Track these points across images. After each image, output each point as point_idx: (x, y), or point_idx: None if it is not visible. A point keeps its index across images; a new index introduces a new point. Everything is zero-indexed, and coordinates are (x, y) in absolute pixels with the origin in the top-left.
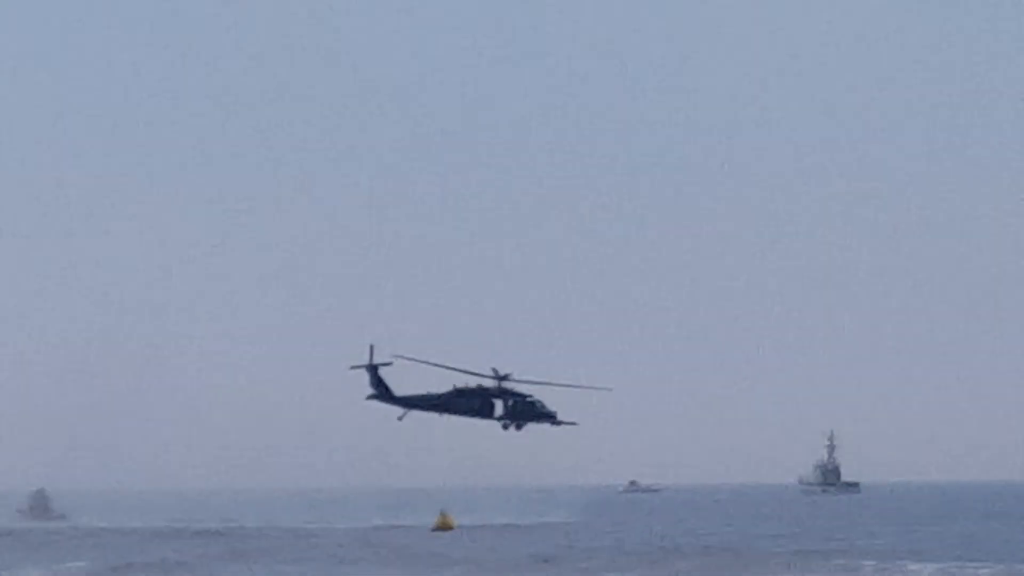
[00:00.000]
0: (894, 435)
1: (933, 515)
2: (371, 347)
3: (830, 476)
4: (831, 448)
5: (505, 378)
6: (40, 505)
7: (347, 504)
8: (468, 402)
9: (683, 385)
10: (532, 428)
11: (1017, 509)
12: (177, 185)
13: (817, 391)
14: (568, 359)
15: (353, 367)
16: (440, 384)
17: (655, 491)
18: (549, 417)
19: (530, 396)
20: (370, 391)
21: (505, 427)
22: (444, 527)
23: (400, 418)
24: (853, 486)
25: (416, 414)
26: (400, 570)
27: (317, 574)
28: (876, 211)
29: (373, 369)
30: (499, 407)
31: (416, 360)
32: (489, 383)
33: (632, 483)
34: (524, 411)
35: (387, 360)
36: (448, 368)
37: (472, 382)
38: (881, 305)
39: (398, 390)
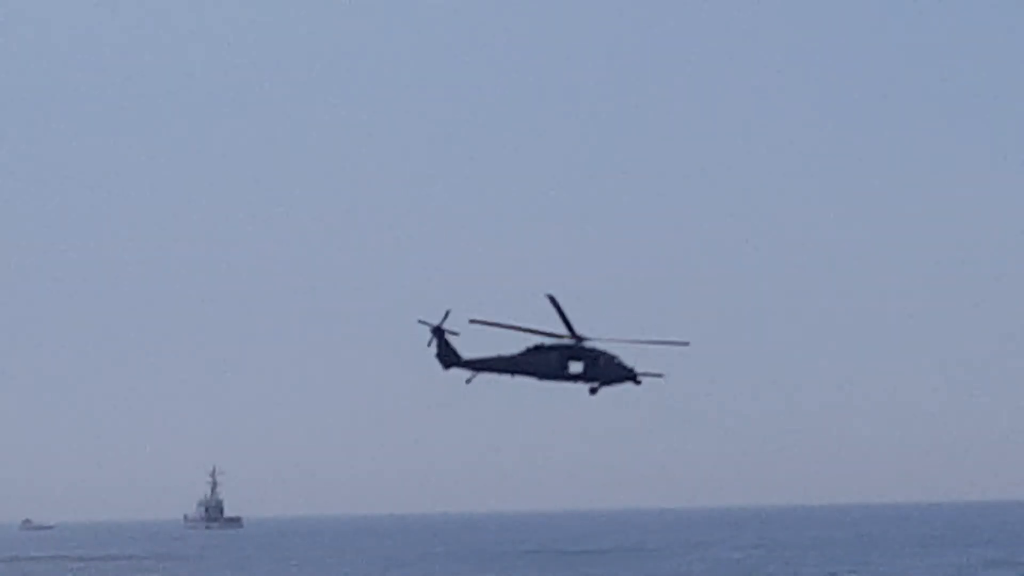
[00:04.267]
0: (278, 471)
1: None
2: (447, 312)
3: (213, 512)
4: (213, 484)
5: (582, 338)
6: None
7: None
8: (546, 359)
9: (73, 419)
10: None
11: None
12: None
13: (201, 428)
14: None
15: (421, 321)
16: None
17: (49, 528)
18: (631, 375)
19: (612, 353)
20: (439, 359)
21: (593, 391)
22: None
23: (468, 381)
24: (235, 521)
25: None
26: None
27: None
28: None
29: (440, 332)
30: (577, 367)
31: (491, 324)
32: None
33: (27, 521)
34: (607, 369)
35: (454, 330)
36: (523, 330)
37: (546, 342)
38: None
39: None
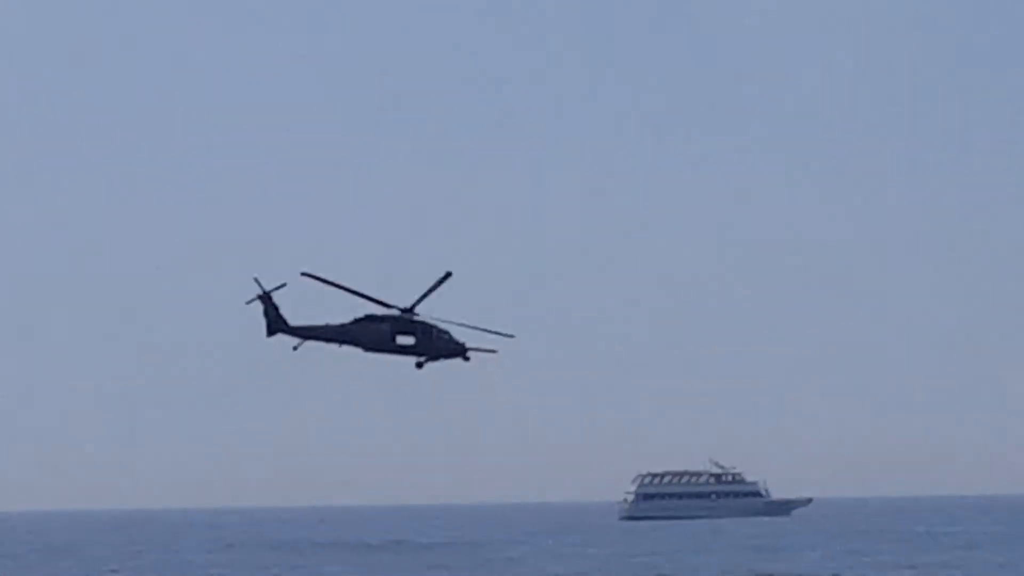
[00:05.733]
0: None
1: None
2: (256, 279)
3: None
4: None
5: (412, 311)
6: None
7: None
8: (377, 330)
9: None
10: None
11: None
12: None
13: None
14: None
15: (248, 301)
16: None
17: None
18: (461, 350)
19: (443, 328)
20: (265, 324)
21: (419, 366)
22: None
23: (296, 348)
24: None
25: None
26: None
27: None
28: None
29: (267, 298)
30: (407, 339)
31: (322, 280)
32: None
33: None
34: (438, 343)
35: (279, 283)
36: (355, 293)
37: (377, 312)
38: None
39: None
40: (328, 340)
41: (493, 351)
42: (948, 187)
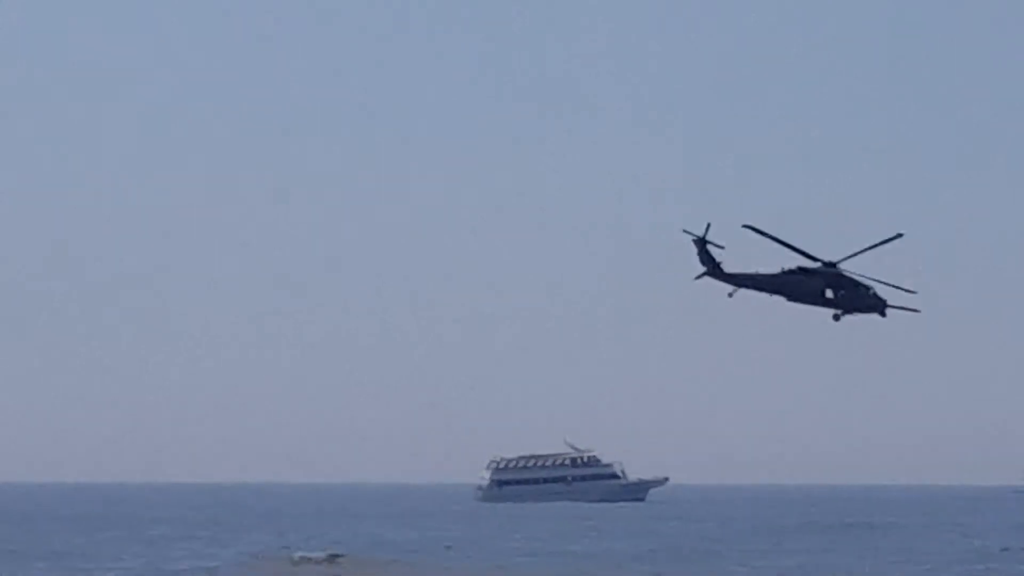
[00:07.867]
0: None
1: None
2: (708, 225)
3: None
4: None
5: (835, 265)
6: None
7: None
8: (810, 283)
9: None
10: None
11: None
12: None
13: None
14: None
15: (686, 230)
16: None
17: None
18: (881, 307)
19: (868, 283)
20: (700, 268)
21: (836, 318)
22: None
23: (730, 295)
24: None
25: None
26: None
27: None
28: None
29: (703, 243)
30: (831, 293)
31: (763, 233)
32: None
33: None
34: (864, 299)
35: (720, 243)
36: (789, 247)
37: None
38: None
39: None
40: (759, 288)
41: (916, 310)
42: None
